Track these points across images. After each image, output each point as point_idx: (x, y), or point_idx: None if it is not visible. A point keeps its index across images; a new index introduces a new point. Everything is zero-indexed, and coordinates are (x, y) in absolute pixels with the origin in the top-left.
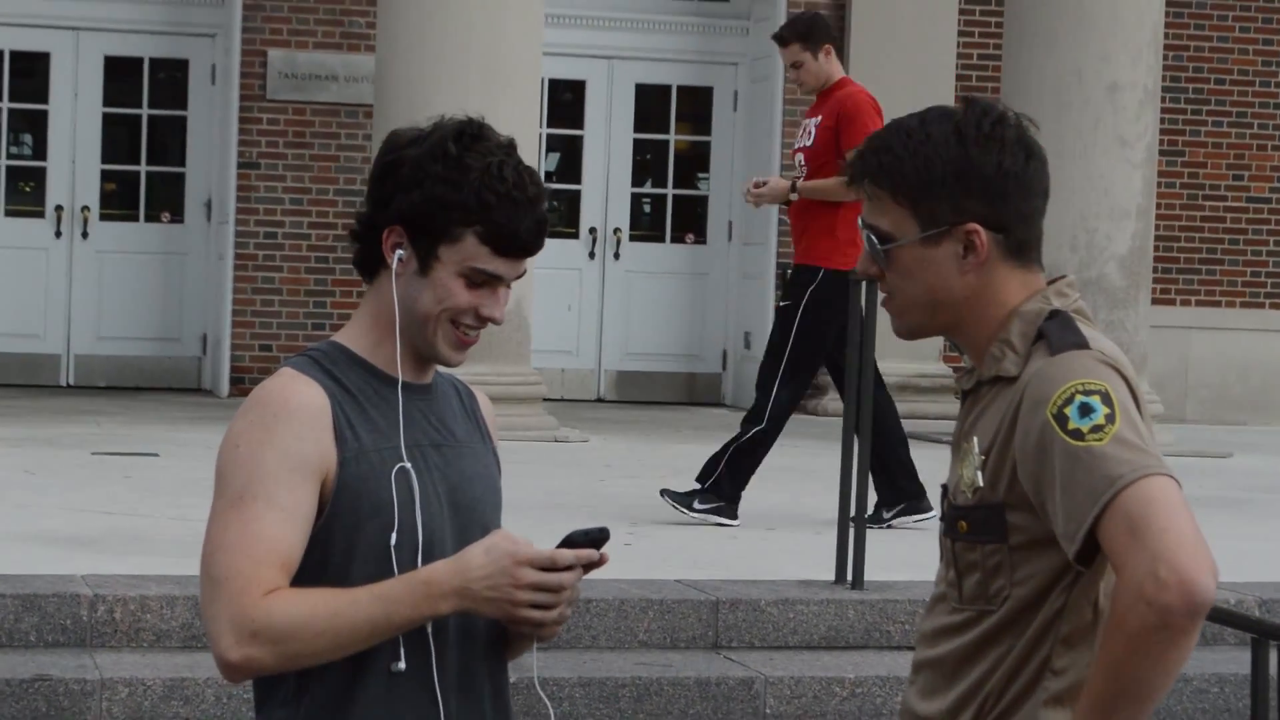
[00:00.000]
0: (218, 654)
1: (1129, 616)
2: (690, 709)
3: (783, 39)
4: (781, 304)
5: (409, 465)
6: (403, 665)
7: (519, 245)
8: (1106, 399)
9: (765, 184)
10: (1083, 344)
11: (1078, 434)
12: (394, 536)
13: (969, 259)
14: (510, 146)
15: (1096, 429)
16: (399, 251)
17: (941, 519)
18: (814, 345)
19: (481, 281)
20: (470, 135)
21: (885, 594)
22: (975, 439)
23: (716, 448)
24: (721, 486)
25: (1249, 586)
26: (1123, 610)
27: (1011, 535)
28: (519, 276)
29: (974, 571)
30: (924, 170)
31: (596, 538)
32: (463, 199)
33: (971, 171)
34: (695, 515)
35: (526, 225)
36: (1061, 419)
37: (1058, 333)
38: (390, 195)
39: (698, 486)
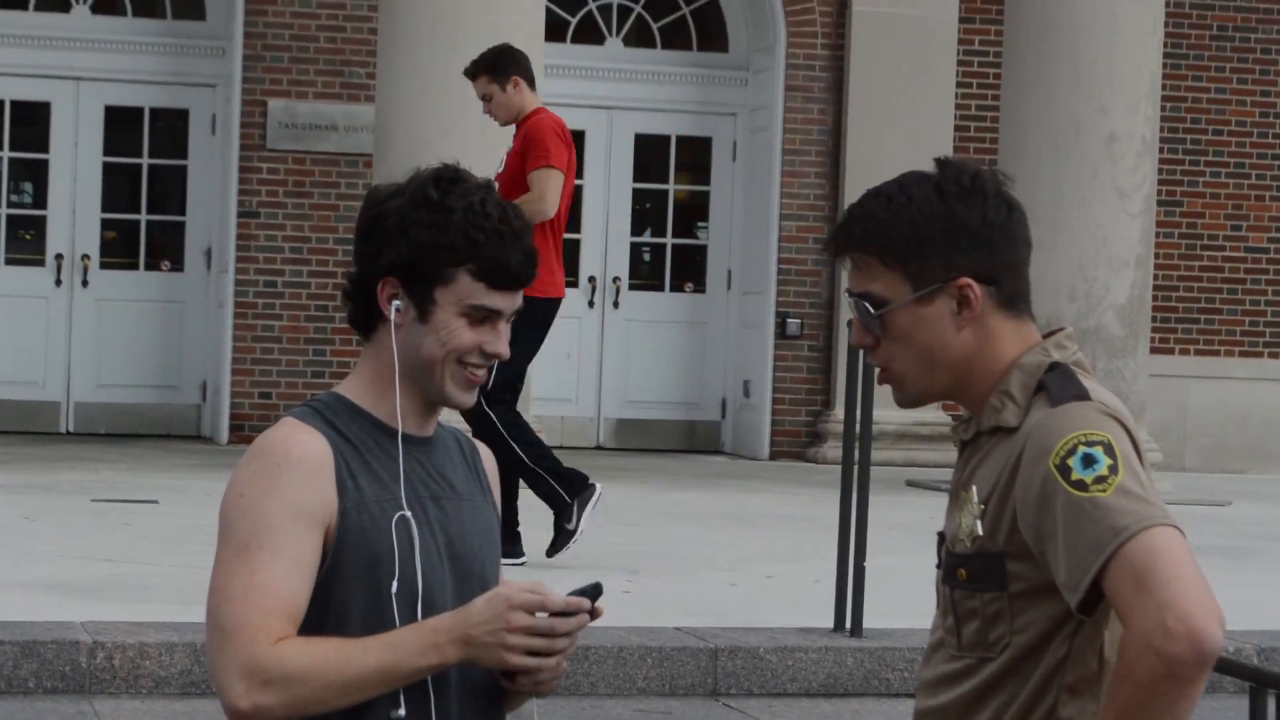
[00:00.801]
0: (227, 702)
1: (1137, 666)
2: None
3: (471, 73)
4: None
5: (409, 514)
6: (403, 713)
7: (511, 277)
8: (1109, 450)
9: None
10: (1084, 395)
11: (1081, 485)
12: (394, 585)
13: (964, 314)
14: (489, 185)
15: (1100, 480)
16: (395, 302)
17: (938, 566)
18: (516, 372)
19: (482, 319)
20: (448, 179)
21: (884, 641)
22: (974, 488)
23: (715, 495)
24: (558, 497)
25: (1247, 635)
26: (1131, 660)
27: (1011, 584)
28: (517, 310)
29: (973, 619)
30: (910, 230)
31: (591, 594)
32: (450, 240)
33: (957, 226)
34: (579, 524)
35: (516, 257)
36: (1064, 469)
37: (1059, 384)
38: (379, 249)
39: (560, 527)
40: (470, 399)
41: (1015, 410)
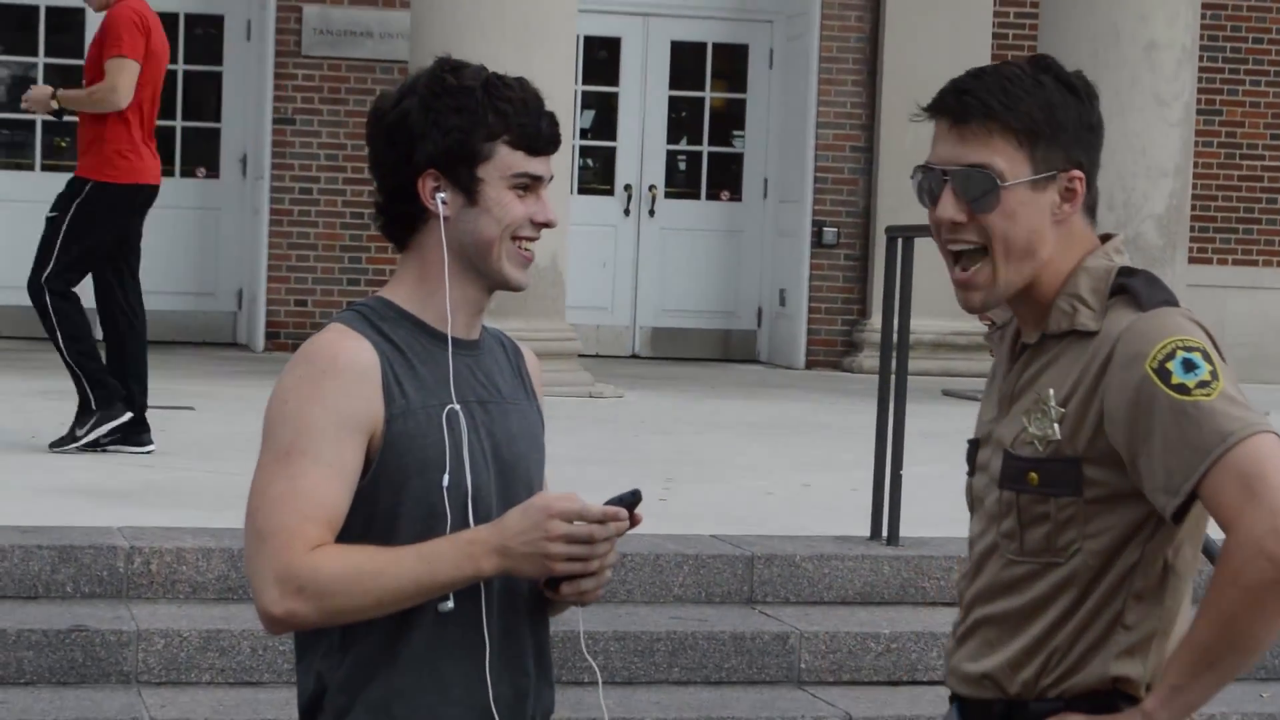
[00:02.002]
0: (261, 607)
1: (1246, 570)
2: (725, 663)
3: None
4: (50, 215)
5: (459, 408)
6: (450, 605)
7: (545, 140)
8: (1207, 356)
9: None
10: (1174, 301)
11: (1183, 388)
12: (446, 478)
13: (1065, 208)
14: (486, 68)
15: (1203, 384)
16: (441, 195)
17: (970, 474)
18: (80, 254)
19: (527, 188)
20: (452, 67)
21: (920, 550)
22: (1051, 391)
23: (751, 403)
24: (85, 399)
25: None
26: (1239, 564)
27: (1087, 489)
28: (551, 178)
29: (1042, 524)
30: (1048, 113)
31: (629, 501)
32: (481, 117)
33: (1082, 120)
34: (89, 437)
35: (545, 120)
36: (1164, 373)
37: (1146, 289)
38: (408, 150)
39: (72, 428)
40: (527, 279)
41: (1090, 314)
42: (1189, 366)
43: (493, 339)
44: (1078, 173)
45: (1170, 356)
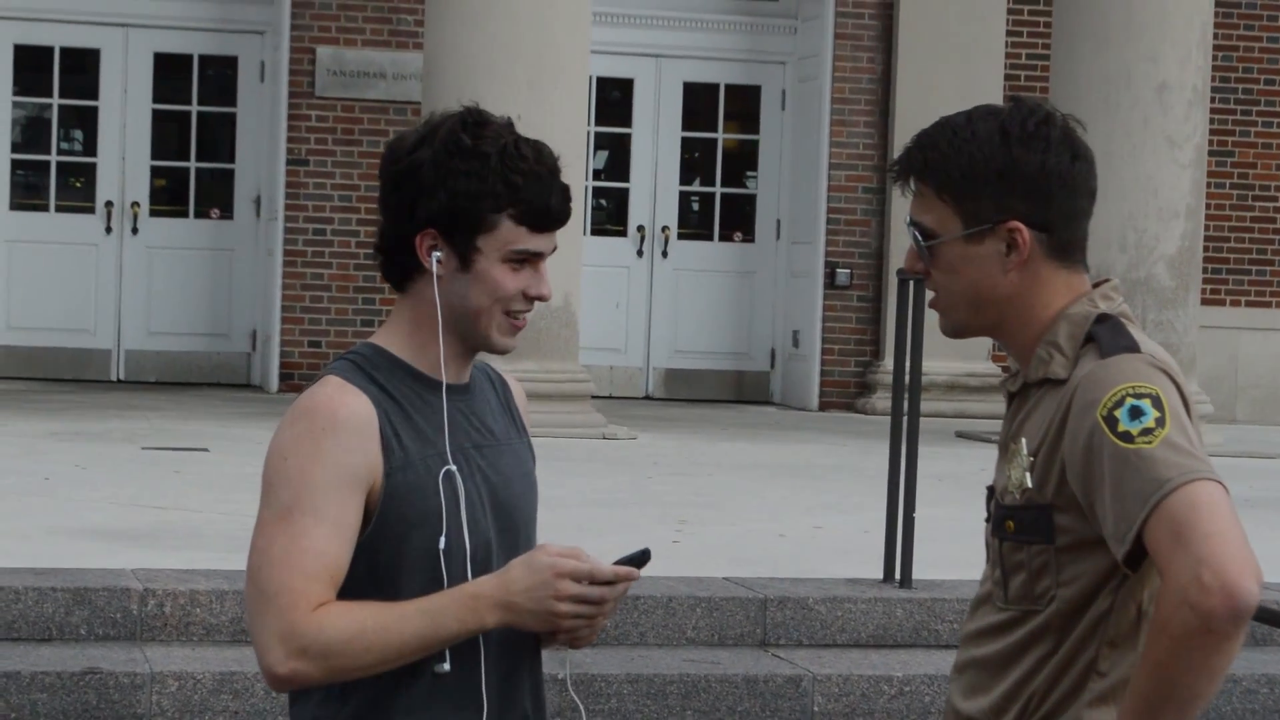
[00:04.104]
0: (265, 667)
1: (1173, 620)
2: (738, 706)
3: None
4: None
5: (454, 469)
6: (447, 666)
7: (553, 218)
8: (1157, 402)
9: None
10: (1134, 347)
11: (1127, 436)
12: (443, 541)
13: (1011, 257)
14: (512, 125)
15: (1146, 432)
16: (436, 254)
17: (988, 519)
18: None
19: (523, 262)
20: (474, 123)
21: (933, 593)
22: (1024, 440)
23: (764, 445)
24: None
25: None
26: (1166, 614)
27: (1058, 536)
28: (553, 250)
29: (1020, 571)
30: (968, 168)
31: (637, 561)
32: (490, 186)
33: (1015, 170)
34: None
35: (556, 197)
36: (1112, 421)
37: (1109, 336)
38: (413, 201)
39: None
40: (514, 344)
41: (1063, 361)
42: (1135, 414)
43: (481, 375)
44: (1014, 223)
45: (1119, 404)
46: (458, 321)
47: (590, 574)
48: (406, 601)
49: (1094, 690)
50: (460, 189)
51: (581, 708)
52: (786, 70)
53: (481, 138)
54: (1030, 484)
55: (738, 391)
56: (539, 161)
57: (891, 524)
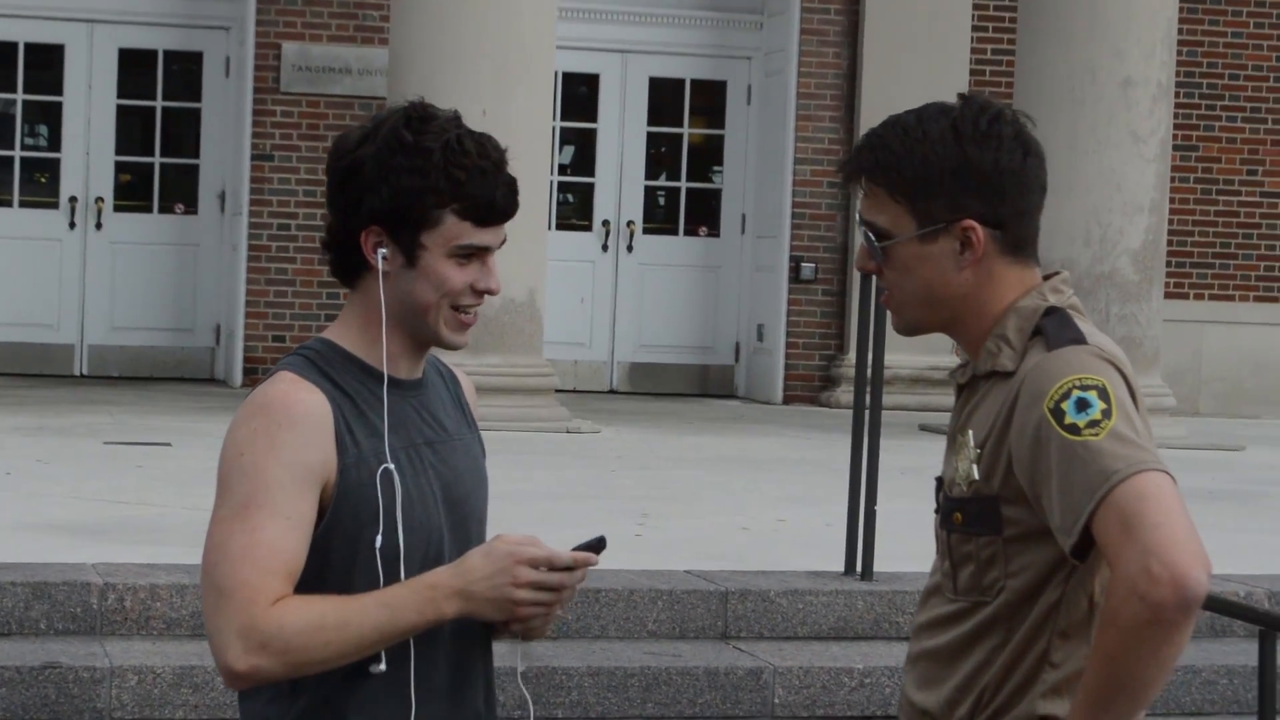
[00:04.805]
0: (224, 663)
1: (1122, 611)
2: (699, 698)
3: None
4: None
5: (392, 467)
6: (383, 667)
7: (498, 212)
8: (1103, 394)
9: None
10: (1080, 339)
11: (1074, 428)
12: (379, 539)
13: (966, 255)
14: (458, 119)
15: (1093, 424)
16: (381, 250)
17: (937, 511)
18: None
19: (470, 256)
20: (418, 118)
21: (894, 585)
22: (970, 432)
23: (728, 439)
24: None
25: (1259, 579)
26: (1115, 605)
27: (1006, 528)
28: (503, 243)
29: (969, 563)
30: (920, 168)
31: (594, 547)
32: (432, 182)
33: (968, 169)
34: None
35: (500, 191)
36: (1058, 413)
37: (1055, 329)
38: (358, 198)
39: None
40: (465, 339)
41: (1011, 354)
42: (1082, 406)
43: (432, 370)
44: (969, 222)
45: (1065, 396)
46: (406, 317)
47: (548, 560)
48: (365, 594)
49: (1047, 682)
50: (403, 185)
51: (529, 700)
52: (752, 65)
53: (424, 133)
54: (977, 476)
55: (702, 385)
56: (482, 155)
57: (853, 517)
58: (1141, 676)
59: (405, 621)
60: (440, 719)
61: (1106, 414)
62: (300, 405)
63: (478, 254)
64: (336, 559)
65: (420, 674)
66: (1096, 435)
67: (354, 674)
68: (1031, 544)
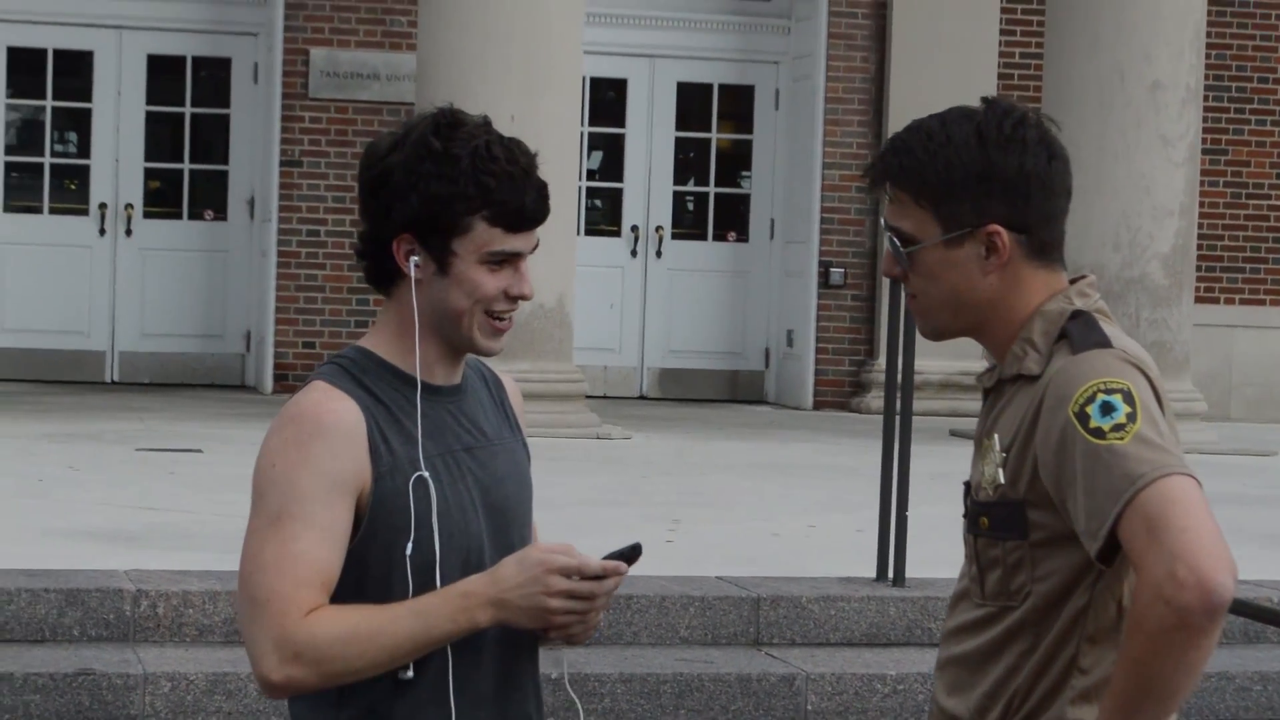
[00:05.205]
0: (260, 674)
1: (1148, 616)
2: (731, 705)
3: None
4: None
5: (426, 475)
6: (410, 674)
7: (528, 218)
8: (1129, 398)
9: None
10: (1105, 343)
11: (1099, 432)
12: (410, 546)
13: (991, 260)
14: (488, 124)
15: (1118, 428)
16: (414, 259)
17: (965, 515)
18: None
19: (502, 262)
20: (447, 125)
21: (926, 591)
22: (996, 436)
23: (758, 444)
24: None
25: None
26: (1142, 610)
27: (1032, 532)
28: (535, 248)
29: (996, 568)
30: (945, 173)
31: (627, 555)
32: (462, 189)
33: (993, 173)
34: None
35: (530, 196)
36: (1083, 417)
37: (1081, 332)
38: (388, 206)
39: None
40: (500, 345)
41: (1037, 358)
42: (1106, 410)
43: (474, 374)
44: (994, 226)
45: (1090, 400)
46: (440, 324)
47: (580, 568)
48: (398, 603)
49: (1076, 687)
50: (432, 193)
51: (579, 706)
52: (780, 70)
53: (453, 140)
54: (1003, 480)
55: (732, 391)
56: (511, 161)
57: (884, 523)
58: (1169, 682)
59: (439, 630)
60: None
61: (1131, 418)
62: (331, 415)
63: (510, 260)
64: (374, 568)
65: (464, 681)
66: (1121, 439)
67: (399, 682)
68: (1058, 549)
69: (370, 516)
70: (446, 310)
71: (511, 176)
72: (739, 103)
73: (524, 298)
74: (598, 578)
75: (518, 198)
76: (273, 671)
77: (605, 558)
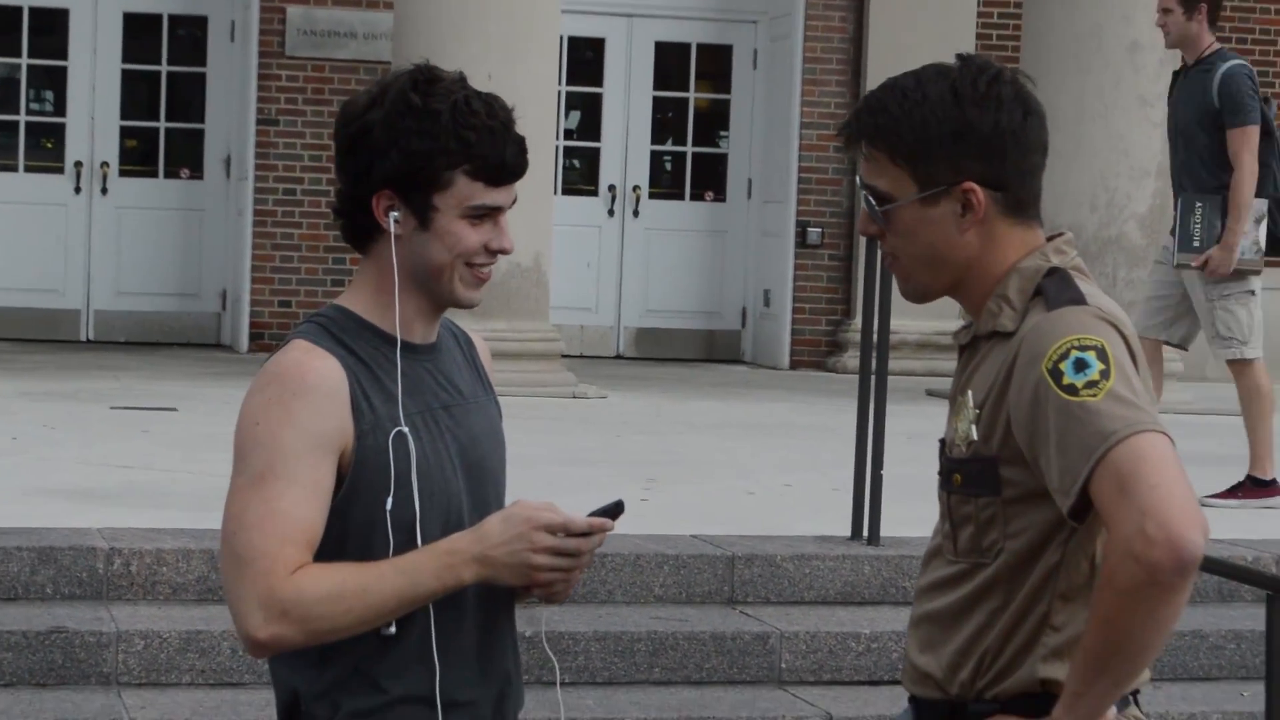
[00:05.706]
0: (245, 632)
1: (1119, 573)
2: (706, 663)
3: None
4: None
5: (406, 430)
6: (393, 630)
7: (508, 171)
8: (1102, 354)
9: None
10: (1080, 300)
11: (1072, 389)
12: (389, 501)
13: (967, 218)
14: (464, 80)
15: (1091, 384)
16: (394, 214)
17: (939, 472)
18: None
19: (482, 216)
20: (425, 80)
21: (901, 550)
22: (970, 393)
23: (734, 404)
24: None
25: (1267, 544)
26: (1112, 566)
27: (1005, 489)
28: (514, 203)
29: (968, 524)
30: (920, 130)
31: (611, 512)
32: (442, 144)
33: (969, 131)
34: None
35: (510, 150)
36: (1056, 374)
37: (1055, 289)
38: (367, 163)
39: None
40: (479, 296)
41: (1012, 315)
42: (1080, 366)
43: (447, 334)
44: (970, 184)
45: (1064, 356)
46: (421, 279)
47: (565, 525)
48: (384, 561)
49: (1048, 645)
50: (413, 148)
51: (555, 663)
52: (758, 29)
53: (432, 95)
54: (976, 436)
55: (708, 350)
56: (491, 115)
57: (860, 482)
58: (1139, 639)
59: (424, 587)
60: (470, 682)
61: (1105, 375)
62: (314, 373)
63: (490, 214)
64: (356, 526)
65: (446, 637)
66: (1094, 396)
67: (382, 639)
68: (1030, 505)
69: (352, 475)
70: (427, 265)
71: (492, 130)
72: (717, 62)
73: (504, 251)
74: (583, 535)
75: (498, 151)
76: (258, 629)
77: (589, 515)
